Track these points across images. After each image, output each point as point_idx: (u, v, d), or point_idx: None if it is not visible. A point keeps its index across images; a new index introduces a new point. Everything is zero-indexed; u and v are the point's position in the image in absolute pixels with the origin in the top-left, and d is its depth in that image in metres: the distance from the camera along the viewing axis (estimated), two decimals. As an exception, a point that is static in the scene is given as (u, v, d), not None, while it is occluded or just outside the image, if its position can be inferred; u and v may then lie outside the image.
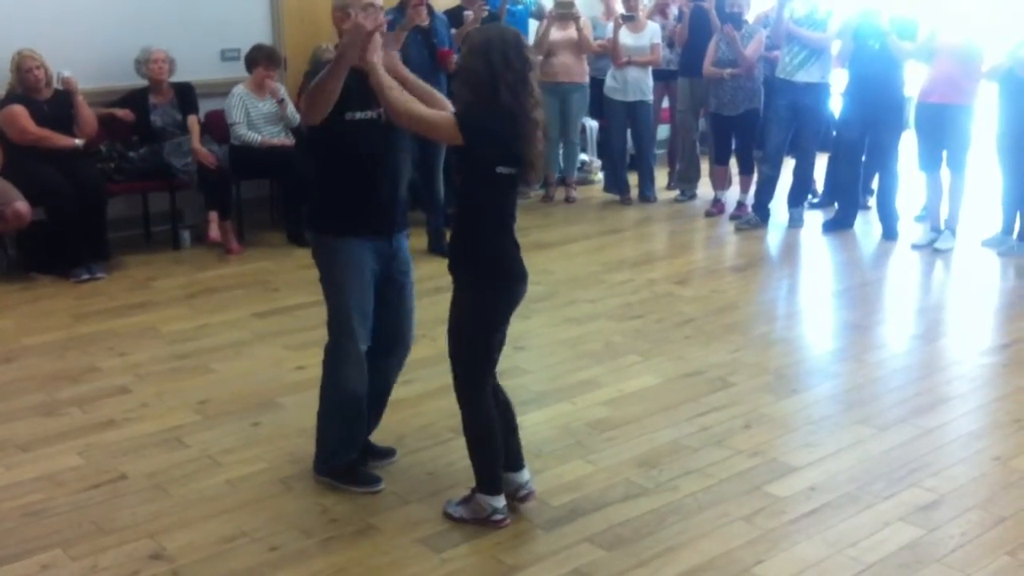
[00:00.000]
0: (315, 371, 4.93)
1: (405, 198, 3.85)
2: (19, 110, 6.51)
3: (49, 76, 6.67)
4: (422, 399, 4.63)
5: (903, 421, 4.39)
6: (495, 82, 3.27)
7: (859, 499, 3.73)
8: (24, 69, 6.54)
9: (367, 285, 3.66)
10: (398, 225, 3.73)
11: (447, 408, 4.45)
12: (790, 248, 7.49)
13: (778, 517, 3.62)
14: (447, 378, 4.75)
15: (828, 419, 4.44)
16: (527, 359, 4.96)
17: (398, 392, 4.68)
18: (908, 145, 7.49)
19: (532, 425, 4.33)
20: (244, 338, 5.48)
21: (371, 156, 3.59)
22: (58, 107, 6.67)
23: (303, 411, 4.51)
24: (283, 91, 7.38)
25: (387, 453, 4.06)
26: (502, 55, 3.28)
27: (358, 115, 3.53)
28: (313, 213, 3.78)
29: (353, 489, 3.79)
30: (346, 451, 3.81)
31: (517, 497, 3.63)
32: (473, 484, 3.59)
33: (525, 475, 3.65)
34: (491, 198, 3.40)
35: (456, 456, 4.05)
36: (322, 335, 5.43)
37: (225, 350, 5.30)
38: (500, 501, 3.54)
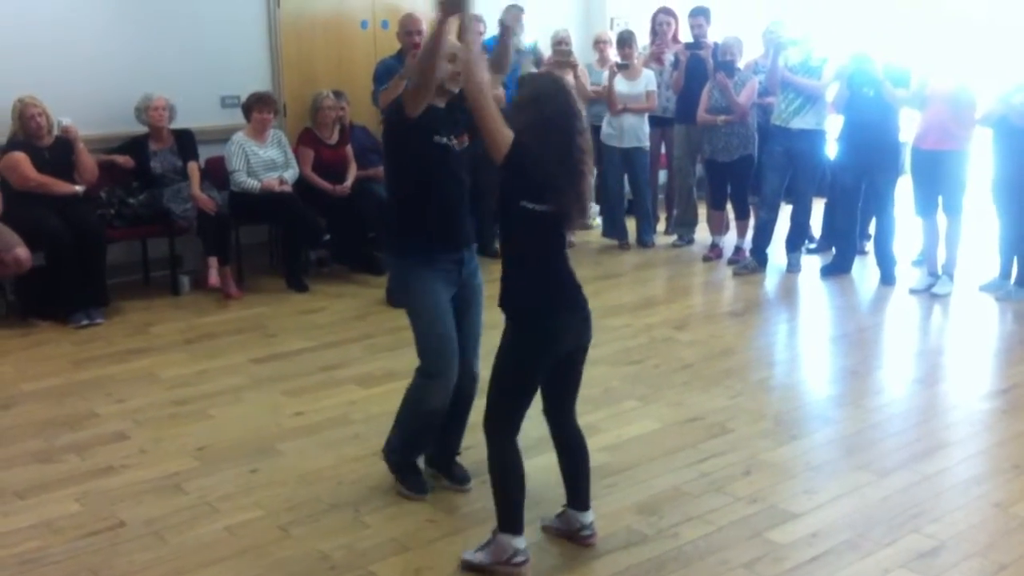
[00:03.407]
0: (313, 417, 4.98)
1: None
2: (21, 157, 6.55)
3: (51, 123, 6.72)
4: (421, 445, 4.62)
5: (903, 467, 4.38)
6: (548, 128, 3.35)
7: (860, 546, 3.72)
8: (26, 116, 6.59)
9: (446, 307, 3.92)
10: (470, 239, 4.02)
11: (446, 454, 4.45)
12: (788, 293, 7.50)
13: (779, 564, 3.60)
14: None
15: (828, 465, 4.43)
16: (526, 404, 4.96)
17: (397, 438, 4.69)
18: (904, 190, 7.54)
19: (531, 471, 4.29)
20: (242, 384, 5.47)
21: (450, 177, 3.89)
22: (59, 154, 6.72)
23: (301, 457, 4.52)
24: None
25: (462, 479, 4.20)
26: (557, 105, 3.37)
27: (443, 140, 3.84)
28: (393, 238, 4.02)
29: (401, 489, 4.11)
30: (409, 453, 4.15)
31: (578, 536, 3.69)
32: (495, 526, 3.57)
33: (590, 516, 3.70)
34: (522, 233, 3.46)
35: (459, 502, 4.06)
36: (318, 381, 5.48)
37: (223, 396, 5.30)
38: (521, 542, 3.51)
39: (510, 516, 3.51)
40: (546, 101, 3.36)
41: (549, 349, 3.46)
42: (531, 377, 3.50)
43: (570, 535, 3.71)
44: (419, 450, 4.18)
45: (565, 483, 3.71)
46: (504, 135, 3.34)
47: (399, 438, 4.15)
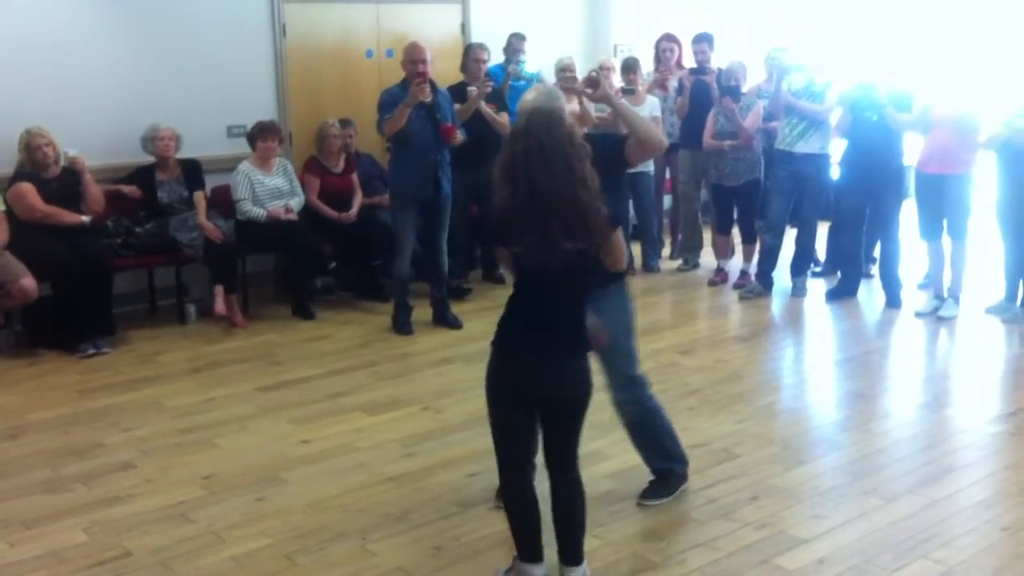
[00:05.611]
0: (319, 445, 4.97)
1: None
2: (27, 188, 6.58)
3: (57, 154, 6.75)
4: (426, 473, 4.61)
5: (910, 491, 4.36)
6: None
7: (868, 572, 3.70)
8: (33, 147, 6.63)
9: None
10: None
11: (452, 482, 4.45)
12: (794, 317, 7.50)
13: (787, 590, 3.59)
14: (450, 451, 4.78)
15: (835, 490, 4.41)
16: (532, 431, 4.95)
17: (402, 466, 4.69)
18: (909, 213, 7.54)
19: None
20: (249, 412, 5.48)
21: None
22: (66, 184, 6.75)
23: (307, 485, 4.51)
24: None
25: None
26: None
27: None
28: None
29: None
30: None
31: None
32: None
33: (580, 571, 3.53)
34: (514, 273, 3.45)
35: (463, 530, 4.05)
36: (325, 408, 5.47)
37: (230, 424, 5.30)
38: (539, 570, 3.50)
39: (520, 544, 3.52)
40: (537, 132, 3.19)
41: (503, 384, 3.38)
42: (500, 415, 3.43)
43: None
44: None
45: (556, 535, 3.53)
46: None
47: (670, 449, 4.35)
